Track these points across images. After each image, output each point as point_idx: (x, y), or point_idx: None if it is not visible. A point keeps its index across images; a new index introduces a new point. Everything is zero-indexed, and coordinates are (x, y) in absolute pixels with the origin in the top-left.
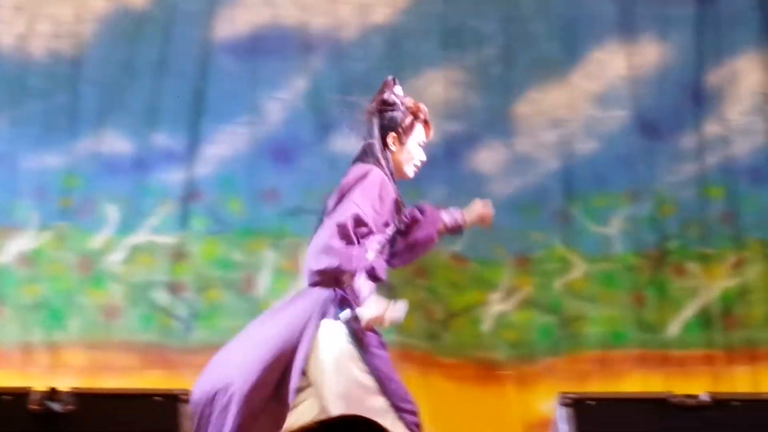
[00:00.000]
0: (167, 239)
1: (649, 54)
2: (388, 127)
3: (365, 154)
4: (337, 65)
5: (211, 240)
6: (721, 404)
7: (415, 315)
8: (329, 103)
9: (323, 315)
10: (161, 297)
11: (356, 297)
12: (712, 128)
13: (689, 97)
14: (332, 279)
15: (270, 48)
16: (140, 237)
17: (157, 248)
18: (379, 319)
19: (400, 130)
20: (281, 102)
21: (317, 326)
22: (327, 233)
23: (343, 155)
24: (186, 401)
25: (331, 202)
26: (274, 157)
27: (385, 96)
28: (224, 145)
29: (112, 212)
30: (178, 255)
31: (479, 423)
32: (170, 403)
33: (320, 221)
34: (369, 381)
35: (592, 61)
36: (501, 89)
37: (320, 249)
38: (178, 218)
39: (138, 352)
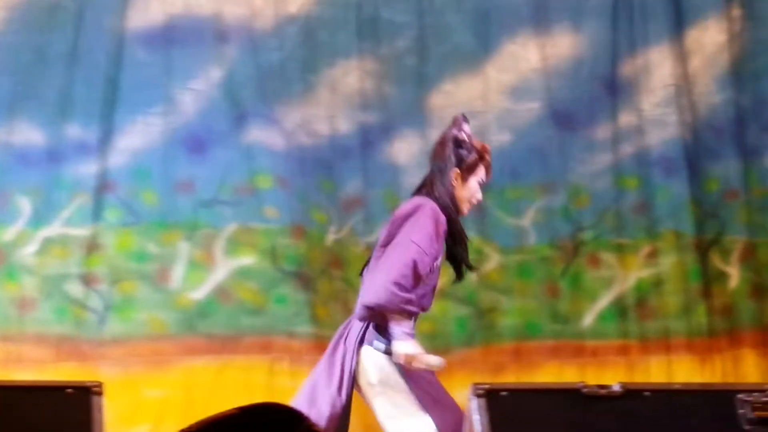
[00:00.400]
0: (80, 231)
1: (563, 46)
2: (453, 163)
3: (425, 186)
4: (252, 55)
5: (125, 232)
6: (632, 394)
7: (332, 305)
8: (244, 93)
9: (362, 343)
10: (75, 289)
11: (396, 330)
12: (626, 119)
13: (603, 89)
14: (381, 315)
15: (184, 38)
16: (53, 229)
17: (70, 240)
18: (413, 359)
19: (464, 167)
20: (196, 92)
21: (354, 356)
22: (387, 272)
23: (258, 146)
24: (99, 393)
25: (384, 234)
26: (189, 148)
27: (456, 133)
28: (138, 136)
29: (25, 204)
30: (92, 247)
31: None
32: (82, 395)
33: (375, 253)
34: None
35: (506, 53)
36: (415, 81)
37: (379, 287)
38: (92, 210)
39: (52, 345)
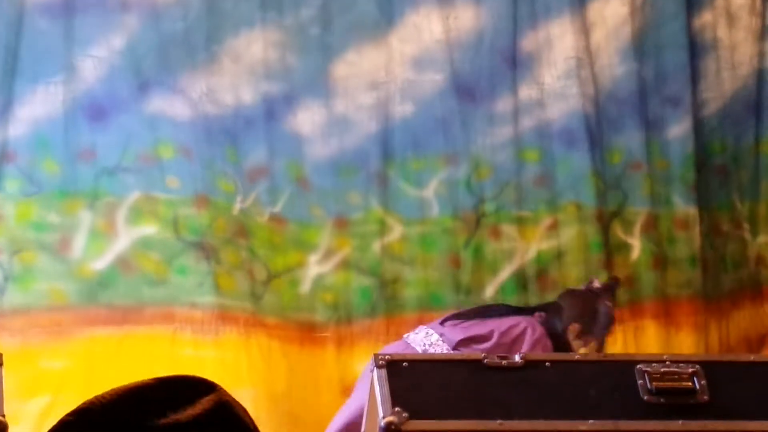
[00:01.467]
0: None
1: (465, 18)
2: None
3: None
4: (154, 24)
5: (25, 202)
6: (533, 364)
7: (237, 275)
8: (147, 62)
9: None
10: None
11: None
12: (527, 92)
13: (504, 62)
14: None
15: (85, 6)
16: None
17: None
18: None
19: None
20: (97, 60)
21: None
22: None
23: (161, 115)
24: None
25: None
26: (90, 116)
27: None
28: (38, 104)
29: None
30: None
31: (300, 383)
32: None
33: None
34: None
35: (409, 24)
36: (319, 51)
37: None
38: None
39: None
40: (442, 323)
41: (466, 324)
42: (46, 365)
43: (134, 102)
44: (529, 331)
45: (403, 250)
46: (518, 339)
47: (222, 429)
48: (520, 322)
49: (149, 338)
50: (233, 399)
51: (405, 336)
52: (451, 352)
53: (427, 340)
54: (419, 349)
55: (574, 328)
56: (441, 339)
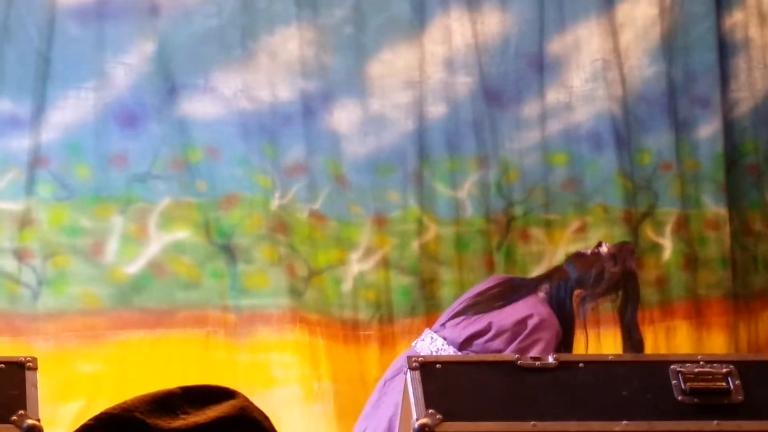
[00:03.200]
0: (13, 206)
1: (492, 23)
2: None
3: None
4: (185, 24)
5: (58, 206)
6: (567, 366)
7: (272, 272)
8: (176, 64)
9: None
10: (8, 264)
11: None
12: (554, 96)
13: (531, 66)
14: None
15: (116, 12)
16: None
17: (2, 215)
18: None
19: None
20: (128, 67)
21: None
22: None
23: (191, 119)
24: (33, 368)
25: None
26: (121, 122)
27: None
28: (70, 110)
29: None
30: (25, 222)
31: (345, 381)
32: (16, 370)
33: None
34: None
35: (441, 26)
36: (354, 50)
37: None
38: (24, 185)
39: None
40: (443, 324)
41: (466, 321)
42: (80, 369)
43: (164, 107)
44: (534, 320)
45: (438, 251)
46: (521, 322)
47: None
48: (521, 310)
49: (182, 342)
50: (253, 405)
51: (413, 344)
52: (459, 353)
53: (433, 347)
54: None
55: (577, 294)
56: (445, 342)
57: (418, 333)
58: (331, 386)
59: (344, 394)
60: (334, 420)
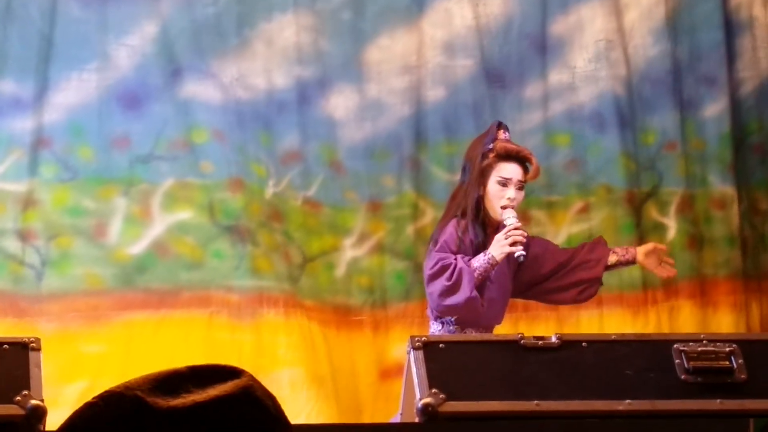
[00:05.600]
0: (16, 187)
1: (494, 4)
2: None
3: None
4: (186, 10)
5: (61, 187)
6: (570, 345)
7: (273, 257)
8: (179, 48)
9: None
10: (11, 245)
11: None
12: (557, 77)
13: (534, 47)
14: None
15: None
16: None
17: (5, 196)
18: None
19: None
20: (130, 48)
21: None
22: None
23: (194, 100)
24: (37, 349)
25: None
26: (124, 103)
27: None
28: (73, 92)
29: None
30: (28, 202)
31: (338, 366)
32: (19, 351)
33: None
34: None
35: (440, 9)
36: (351, 35)
37: None
38: (27, 166)
39: None
40: None
41: None
42: (83, 350)
43: (167, 89)
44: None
45: None
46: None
47: (242, 411)
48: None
49: (186, 322)
50: (259, 384)
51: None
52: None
53: None
54: None
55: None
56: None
57: (413, 317)
58: (327, 370)
59: (338, 379)
60: (331, 402)
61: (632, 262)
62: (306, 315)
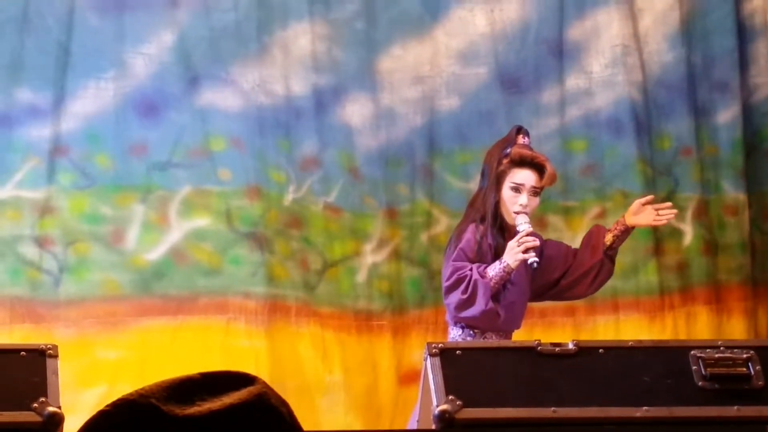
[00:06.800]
0: (34, 194)
1: (510, 10)
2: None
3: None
4: (204, 17)
5: (78, 194)
6: (587, 351)
7: (289, 266)
8: (197, 55)
9: None
10: (29, 251)
11: None
12: (574, 82)
13: (551, 52)
14: None
15: (135, 3)
16: (6, 191)
17: (23, 203)
18: None
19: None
20: (148, 57)
21: None
22: None
23: (211, 108)
24: (54, 356)
25: None
26: (141, 111)
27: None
28: (90, 100)
29: None
30: (46, 209)
31: (357, 372)
32: (37, 357)
33: None
34: None
35: (454, 18)
36: (365, 45)
37: None
38: (45, 173)
39: (6, 307)
40: None
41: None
42: (101, 355)
43: (184, 97)
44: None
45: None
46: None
47: (256, 419)
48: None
49: (203, 328)
50: (272, 391)
51: None
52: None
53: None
54: None
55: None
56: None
57: (427, 324)
58: (342, 377)
59: (356, 385)
60: (349, 409)
61: (626, 228)
62: (319, 323)
